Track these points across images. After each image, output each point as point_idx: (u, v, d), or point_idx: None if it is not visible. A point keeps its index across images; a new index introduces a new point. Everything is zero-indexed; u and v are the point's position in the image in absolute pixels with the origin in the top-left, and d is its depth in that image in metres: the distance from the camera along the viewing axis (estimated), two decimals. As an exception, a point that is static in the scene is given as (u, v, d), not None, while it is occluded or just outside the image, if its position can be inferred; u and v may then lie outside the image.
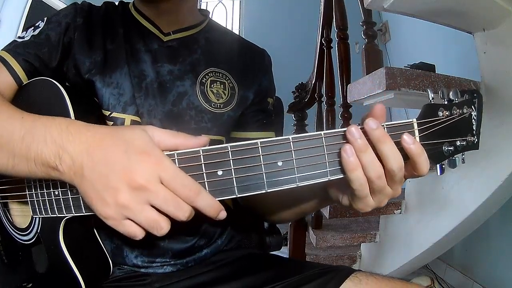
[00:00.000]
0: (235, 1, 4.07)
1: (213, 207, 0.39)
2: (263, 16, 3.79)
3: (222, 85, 0.68)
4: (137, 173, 0.37)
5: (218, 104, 0.66)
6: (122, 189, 0.37)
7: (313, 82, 1.95)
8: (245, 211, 0.74)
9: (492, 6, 1.01)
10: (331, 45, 1.79)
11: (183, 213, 0.38)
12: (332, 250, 1.73)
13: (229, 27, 3.95)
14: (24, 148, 0.42)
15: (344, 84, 1.55)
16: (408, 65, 1.24)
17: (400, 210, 1.47)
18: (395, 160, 0.40)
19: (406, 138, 0.40)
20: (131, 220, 0.39)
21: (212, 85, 0.67)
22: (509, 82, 1.05)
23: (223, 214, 0.40)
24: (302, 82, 2.11)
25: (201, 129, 0.65)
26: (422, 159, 0.40)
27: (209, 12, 0.78)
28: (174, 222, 0.40)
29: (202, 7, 0.83)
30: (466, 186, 1.19)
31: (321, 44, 1.85)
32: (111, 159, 0.38)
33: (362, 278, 0.59)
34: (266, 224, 0.92)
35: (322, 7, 1.86)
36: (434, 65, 1.26)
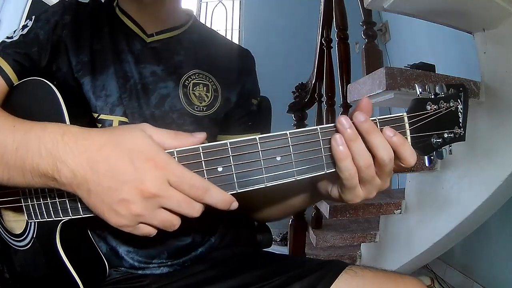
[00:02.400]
0: (235, 1, 4.07)
1: (223, 200, 0.40)
2: (263, 16, 3.78)
3: (205, 87, 0.67)
4: (147, 183, 0.37)
5: (201, 107, 0.65)
6: (134, 200, 0.38)
7: (313, 82, 1.95)
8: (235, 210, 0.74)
9: (492, 6, 1.01)
10: (331, 45, 1.79)
11: (196, 212, 0.40)
12: (332, 250, 1.73)
13: (229, 27, 3.97)
14: (18, 160, 0.41)
15: (344, 84, 1.54)
16: (408, 65, 1.23)
17: (400, 210, 1.47)
18: (385, 150, 0.41)
19: (387, 131, 0.41)
20: (145, 223, 0.40)
21: (195, 88, 0.66)
22: (509, 82, 1.04)
23: (235, 205, 0.41)
24: (302, 82, 2.10)
25: None
26: (405, 148, 0.42)
27: (194, 12, 0.76)
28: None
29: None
30: (466, 186, 1.19)
31: (321, 44, 1.85)
32: (118, 171, 0.38)
33: (357, 271, 0.59)
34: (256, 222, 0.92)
35: (322, 7, 1.85)
36: (434, 65, 1.25)
